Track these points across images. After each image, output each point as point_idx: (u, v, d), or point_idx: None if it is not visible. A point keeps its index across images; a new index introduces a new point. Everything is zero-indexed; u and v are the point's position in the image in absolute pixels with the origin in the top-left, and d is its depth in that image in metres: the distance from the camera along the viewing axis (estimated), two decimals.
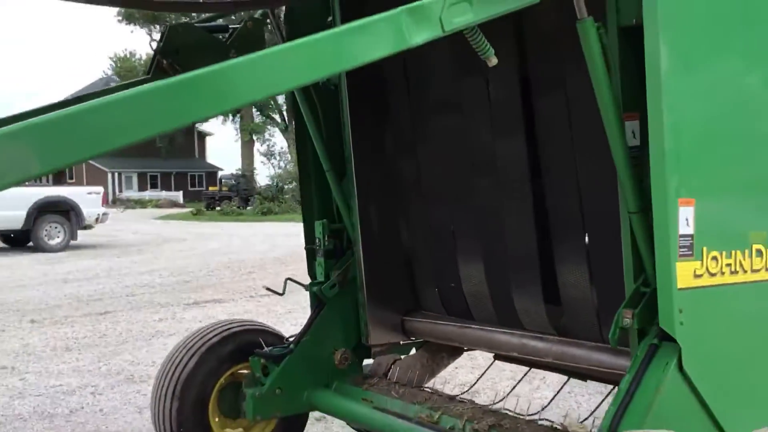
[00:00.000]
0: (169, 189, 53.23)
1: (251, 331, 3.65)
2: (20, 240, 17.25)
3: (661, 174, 2.28)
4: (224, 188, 43.49)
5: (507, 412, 3.09)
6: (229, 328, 3.59)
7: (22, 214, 16.20)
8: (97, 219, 17.21)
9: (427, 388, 3.53)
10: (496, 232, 3.30)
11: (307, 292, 3.69)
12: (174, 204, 45.55)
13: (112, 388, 5.39)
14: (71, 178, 55.45)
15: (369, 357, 3.77)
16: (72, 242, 17.03)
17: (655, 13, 2.24)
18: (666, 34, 2.25)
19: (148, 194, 49.70)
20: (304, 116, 3.55)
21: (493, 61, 2.09)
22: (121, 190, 53.09)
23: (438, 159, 3.50)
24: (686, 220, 2.34)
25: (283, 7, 3.57)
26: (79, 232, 17.40)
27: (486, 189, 3.30)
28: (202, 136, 62.47)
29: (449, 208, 3.53)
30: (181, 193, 50.79)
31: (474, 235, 3.43)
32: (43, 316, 8.70)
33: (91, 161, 56.62)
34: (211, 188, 46.83)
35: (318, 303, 3.66)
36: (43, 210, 16.49)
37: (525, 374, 3.80)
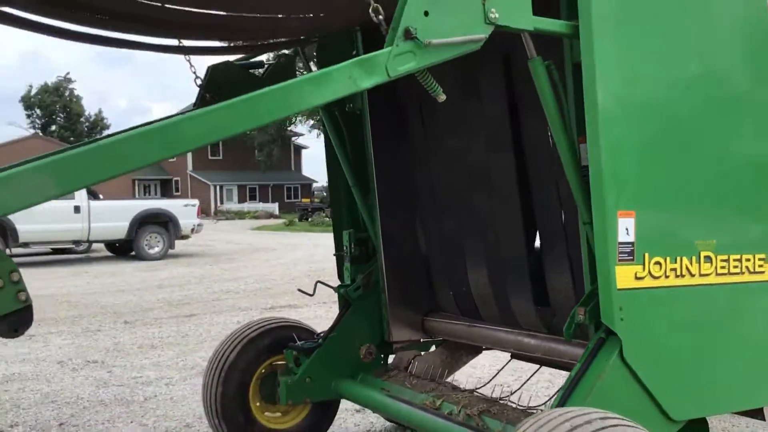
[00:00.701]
0: (266, 201, 55.27)
1: (286, 327, 4.15)
2: (124, 249, 18.62)
3: (600, 190, 2.64)
4: (316, 200, 44.70)
5: (499, 401, 3.46)
6: (267, 325, 4.11)
7: (126, 225, 17.52)
8: (192, 229, 18.37)
9: (440, 381, 3.93)
10: (495, 240, 3.69)
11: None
12: (270, 215, 47.23)
13: (184, 381, 6.03)
14: (177, 190, 58.47)
15: (393, 353, 4.21)
16: (170, 251, 18.25)
17: (592, 52, 2.61)
18: (601, 69, 2.61)
19: (247, 206, 51.73)
20: (331, 138, 4.04)
21: (442, 97, 2.50)
22: (222, 202, 55.48)
23: (446, 174, 3.92)
24: (626, 229, 2.68)
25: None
26: (177, 242, 18.60)
27: (484, 201, 3.70)
28: (298, 149, 64.41)
29: (457, 218, 3.93)
30: (277, 204, 52.63)
31: (478, 242, 3.82)
32: (135, 317, 9.56)
33: (195, 175, 59.26)
34: (303, 200, 48.23)
35: (345, 303, 4.13)
36: (144, 221, 17.77)
37: (534, 372, 4.14)
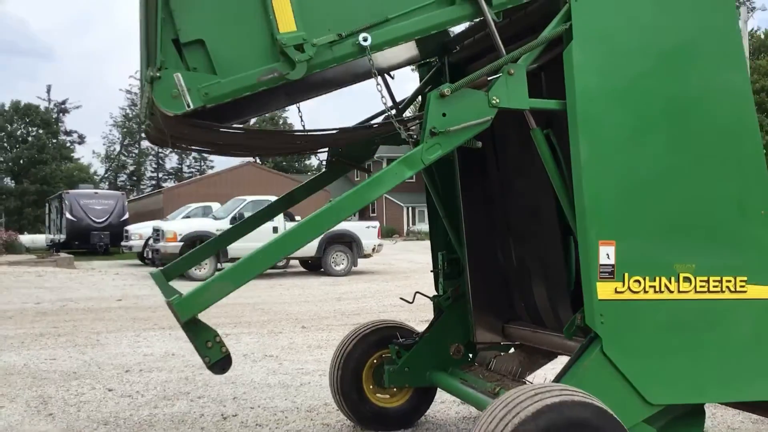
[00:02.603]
0: None
1: (392, 327, 5.29)
2: (314, 266, 20.74)
3: (583, 224, 3.50)
4: None
5: None
6: (377, 325, 5.27)
7: (315, 244, 19.58)
8: (373, 249, 20.09)
9: (506, 375, 4.83)
10: (548, 264, 4.57)
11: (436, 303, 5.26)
12: None
13: None
14: (373, 212, 61.61)
15: (478, 352, 5.18)
16: (353, 268, 20.08)
17: (575, 123, 3.50)
18: (583, 133, 3.49)
19: None
20: (426, 180, 5.13)
21: (477, 144, 3.50)
22: (414, 223, 57.72)
23: (514, 209, 4.85)
24: (607, 255, 3.52)
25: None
26: (361, 260, 20.39)
27: (538, 230, 4.59)
28: None
29: (523, 243, 4.84)
30: None
31: (538, 263, 4.71)
32: (312, 324, 11.14)
33: (389, 197, 62.08)
34: None
35: (438, 310, 5.19)
36: (331, 241, 19.76)
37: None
